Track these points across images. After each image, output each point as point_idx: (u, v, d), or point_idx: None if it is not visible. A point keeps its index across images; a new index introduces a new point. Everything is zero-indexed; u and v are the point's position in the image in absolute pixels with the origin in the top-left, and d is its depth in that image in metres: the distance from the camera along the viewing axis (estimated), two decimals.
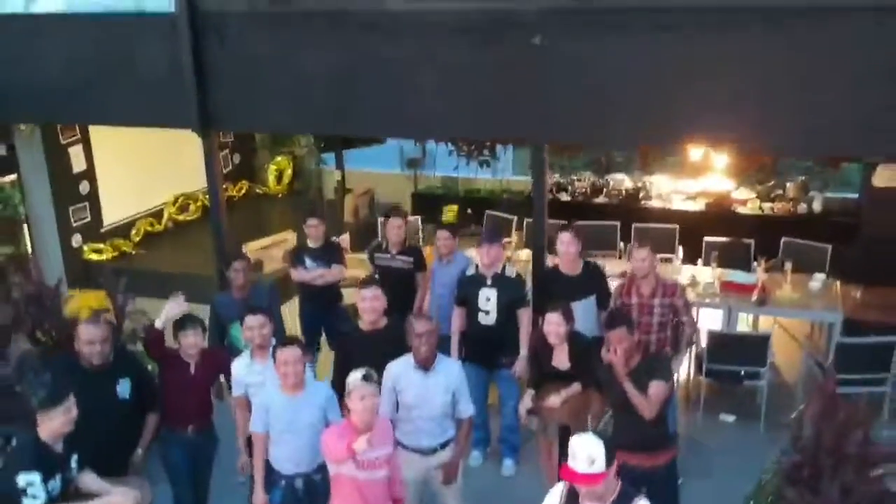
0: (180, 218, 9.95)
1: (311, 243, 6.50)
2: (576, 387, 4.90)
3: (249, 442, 4.49)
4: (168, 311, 4.78)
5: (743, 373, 6.11)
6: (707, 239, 7.82)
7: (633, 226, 8.21)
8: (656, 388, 4.22)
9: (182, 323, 4.69)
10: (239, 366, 4.77)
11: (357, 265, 7.11)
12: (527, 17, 5.35)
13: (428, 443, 4.45)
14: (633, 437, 4.22)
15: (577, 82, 5.41)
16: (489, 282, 5.47)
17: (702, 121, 5.26)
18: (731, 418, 6.32)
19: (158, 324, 4.73)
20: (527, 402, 5.06)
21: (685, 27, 5.08)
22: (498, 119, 5.78)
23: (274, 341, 4.65)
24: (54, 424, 3.77)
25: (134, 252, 9.25)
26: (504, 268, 5.55)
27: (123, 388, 4.56)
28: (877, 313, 6.48)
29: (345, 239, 8.41)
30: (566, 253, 5.50)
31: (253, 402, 4.48)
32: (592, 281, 5.57)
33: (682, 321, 5.44)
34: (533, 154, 6.20)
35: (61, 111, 7.20)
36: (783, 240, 7.70)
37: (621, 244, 8.28)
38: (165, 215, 9.86)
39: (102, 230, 9.17)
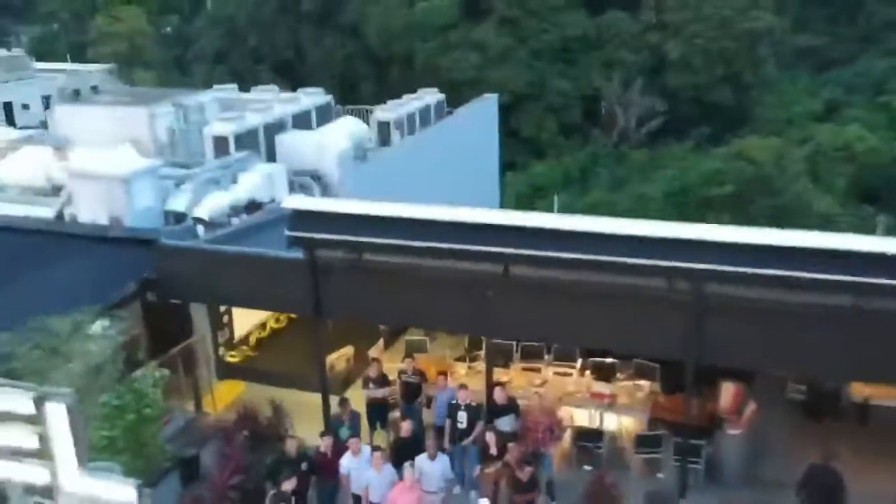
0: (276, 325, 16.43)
1: (371, 373, 12.99)
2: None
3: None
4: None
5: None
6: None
7: None
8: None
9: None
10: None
11: None
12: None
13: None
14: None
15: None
16: (463, 407, 12.00)
17: None
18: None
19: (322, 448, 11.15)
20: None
21: None
22: None
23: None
24: None
25: (252, 354, 15.73)
26: (468, 401, 12.08)
27: None
28: (670, 414, 12.87)
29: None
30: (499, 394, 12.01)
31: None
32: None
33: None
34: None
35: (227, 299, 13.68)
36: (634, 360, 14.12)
37: None
38: (267, 325, 16.36)
39: (234, 341, 15.66)
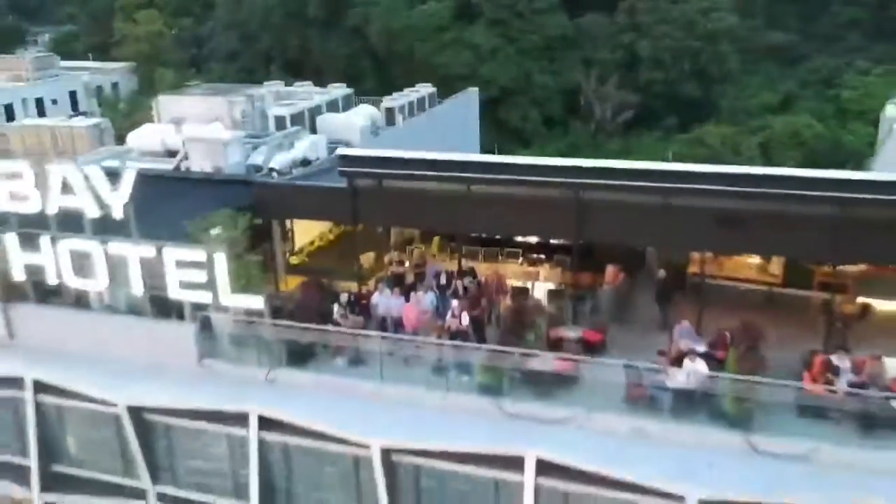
0: (321, 243, 25.24)
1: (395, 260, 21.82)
2: None
3: None
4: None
5: None
6: None
7: None
8: None
9: None
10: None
11: None
12: None
13: None
14: None
15: None
16: (443, 272, 20.94)
17: None
18: None
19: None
20: None
21: None
22: None
23: None
24: None
25: (307, 259, 24.54)
26: (445, 270, 21.00)
27: None
28: (573, 282, 21.72)
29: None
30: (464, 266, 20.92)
31: None
32: None
33: None
34: None
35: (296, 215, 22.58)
36: None
37: None
38: (315, 243, 25.18)
39: (294, 250, 24.50)
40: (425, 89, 32.69)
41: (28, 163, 19.82)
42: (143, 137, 25.35)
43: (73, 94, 76.48)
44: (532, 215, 20.20)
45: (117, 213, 18.96)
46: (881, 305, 20.50)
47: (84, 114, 75.89)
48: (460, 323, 19.13)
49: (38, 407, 20.30)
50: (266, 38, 67.36)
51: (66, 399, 20.00)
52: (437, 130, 31.00)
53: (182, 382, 19.16)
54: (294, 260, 24.00)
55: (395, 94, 31.36)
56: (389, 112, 29.75)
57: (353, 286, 21.97)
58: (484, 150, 50.47)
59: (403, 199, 21.11)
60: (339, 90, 29.40)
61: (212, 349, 19.53)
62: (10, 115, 70.96)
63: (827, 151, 55.75)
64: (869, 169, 34.87)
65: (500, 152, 58.53)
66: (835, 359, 17.38)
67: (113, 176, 19.17)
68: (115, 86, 78.97)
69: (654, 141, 60.53)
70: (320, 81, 64.15)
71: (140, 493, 20.18)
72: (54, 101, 73.86)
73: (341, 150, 21.48)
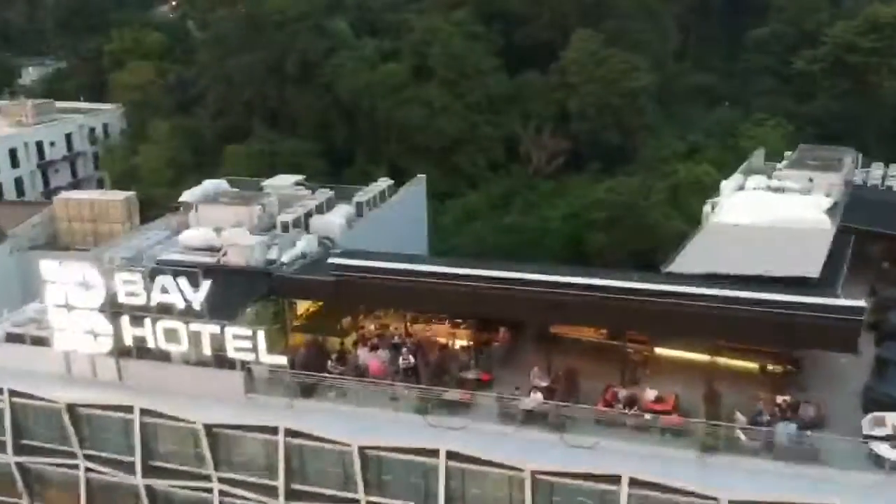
0: (314, 308, 39.07)
1: (366, 332, 35.88)
2: None
3: None
4: None
5: None
6: None
7: None
8: None
9: None
10: None
11: None
12: None
13: None
14: None
15: None
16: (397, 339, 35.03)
17: None
18: None
19: None
20: None
21: None
22: None
23: None
24: None
25: (305, 321, 38.33)
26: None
27: None
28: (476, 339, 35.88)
29: None
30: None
31: None
32: None
33: None
34: None
35: (301, 296, 36.55)
36: None
37: None
38: (309, 309, 38.97)
39: (297, 315, 38.34)
40: (384, 183, 46.56)
41: (140, 274, 33.43)
42: (192, 237, 38.97)
43: (68, 136, 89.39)
44: (449, 300, 34.27)
45: (196, 307, 32.75)
46: (668, 353, 34.82)
47: (78, 154, 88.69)
48: (410, 362, 33.45)
49: (142, 425, 34.05)
50: (248, 90, 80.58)
51: (160, 419, 33.76)
52: (395, 216, 44.97)
53: (236, 408, 32.97)
54: (296, 322, 37.81)
55: (363, 189, 45.19)
56: (359, 206, 43.59)
57: (338, 340, 35.96)
58: (438, 195, 64.84)
59: (370, 288, 35.06)
60: (325, 194, 43.09)
61: (253, 387, 33.38)
62: (13, 158, 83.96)
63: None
64: None
65: (453, 195, 72.71)
66: (621, 390, 31.72)
67: (193, 279, 32.92)
68: (105, 128, 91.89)
69: (583, 182, 74.82)
70: (297, 132, 78.22)
71: (206, 477, 34.00)
72: (52, 144, 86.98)
73: (331, 259, 35.40)
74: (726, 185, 43.49)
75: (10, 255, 45.43)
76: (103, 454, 35.32)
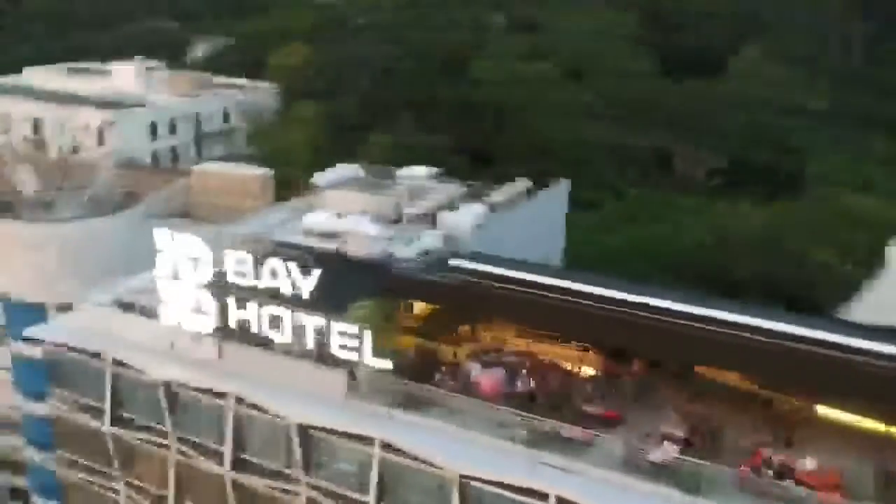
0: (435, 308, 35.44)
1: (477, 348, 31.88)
2: None
3: None
4: None
5: None
6: None
7: None
8: None
9: None
10: None
11: None
12: None
13: None
14: None
15: None
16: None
17: None
18: None
19: None
20: None
21: None
22: None
23: None
24: None
25: (422, 322, 34.79)
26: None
27: None
28: None
29: None
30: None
31: None
32: None
33: None
34: None
35: (420, 297, 32.92)
36: None
37: None
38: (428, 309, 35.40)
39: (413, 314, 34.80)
40: (522, 184, 42.39)
41: (250, 253, 30.68)
42: (313, 221, 36.10)
43: (224, 111, 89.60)
44: (581, 323, 29.81)
45: (305, 295, 29.67)
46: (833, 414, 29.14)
47: (232, 130, 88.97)
48: (529, 386, 29.22)
49: (236, 414, 31.32)
50: (396, 80, 78.25)
51: (254, 410, 30.93)
52: (531, 221, 40.70)
53: (332, 410, 29.67)
54: (410, 323, 34.27)
55: (497, 190, 41.23)
56: (492, 206, 39.65)
57: (451, 350, 32.14)
58: (576, 203, 60.06)
59: (493, 298, 31.03)
60: (457, 189, 39.42)
61: (355, 390, 30.01)
62: (172, 127, 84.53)
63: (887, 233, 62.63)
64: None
65: (592, 205, 67.78)
66: (772, 453, 26.43)
67: (305, 267, 29.87)
68: (260, 105, 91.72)
69: (735, 204, 68.13)
70: (438, 126, 75.24)
71: (295, 480, 30.90)
72: (209, 117, 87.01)
73: (454, 260, 31.60)
74: None
75: (142, 222, 44.15)
76: (195, 438, 32.83)
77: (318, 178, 41.74)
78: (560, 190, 44.81)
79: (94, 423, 34.56)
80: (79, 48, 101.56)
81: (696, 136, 71.38)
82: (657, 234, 63.97)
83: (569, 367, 31.64)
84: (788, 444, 27.52)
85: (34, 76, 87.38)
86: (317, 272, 29.85)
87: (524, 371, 30.33)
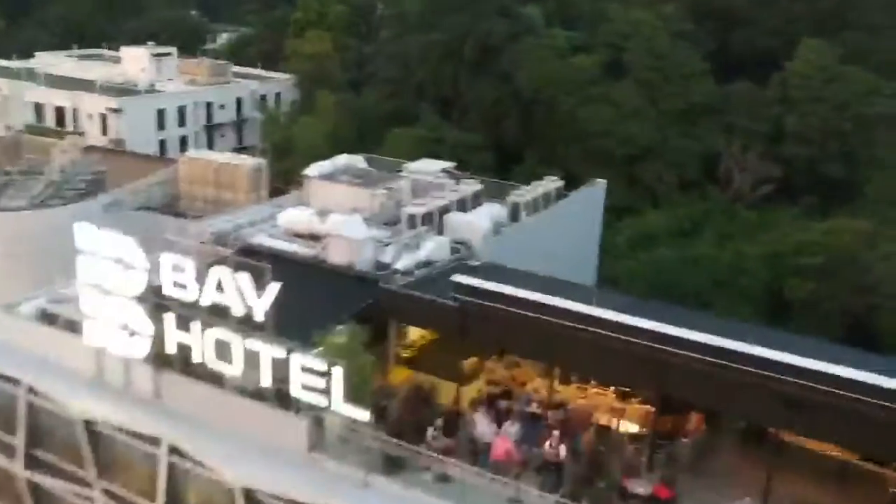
0: (431, 337, 27.33)
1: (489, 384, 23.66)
2: None
3: None
4: None
5: None
6: None
7: None
8: None
9: None
10: None
11: None
12: None
13: None
14: None
15: None
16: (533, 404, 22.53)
17: None
18: None
19: None
20: None
21: None
22: None
23: None
24: None
25: (415, 353, 26.68)
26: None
27: None
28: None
29: None
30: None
31: None
32: None
33: None
34: None
35: (412, 322, 24.73)
36: None
37: None
38: (426, 337, 27.28)
39: (407, 344, 26.69)
40: (552, 182, 34.15)
41: (192, 260, 22.79)
42: (291, 220, 28.21)
43: (238, 101, 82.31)
44: (620, 363, 21.57)
45: (258, 317, 21.68)
46: None
47: (245, 121, 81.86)
48: (558, 455, 20.92)
49: (170, 468, 23.40)
50: (421, 72, 70.22)
51: (191, 464, 22.99)
52: (559, 228, 32.45)
53: (290, 471, 21.67)
54: (405, 353, 26.19)
55: (522, 188, 33.02)
56: (514, 207, 31.47)
57: (451, 390, 24.06)
58: (613, 210, 51.38)
59: (506, 326, 22.90)
60: (471, 186, 31.27)
61: (321, 443, 21.97)
62: (182, 116, 77.22)
63: None
64: None
65: (630, 212, 59.11)
66: None
67: (259, 277, 21.90)
68: (277, 96, 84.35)
69: (793, 217, 59.24)
70: (466, 121, 67.15)
71: None
72: (222, 107, 79.82)
73: (458, 276, 23.47)
74: None
75: (105, 212, 36.78)
76: (122, 492, 24.97)
77: (313, 168, 33.95)
78: (596, 192, 36.47)
79: (4, 464, 26.85)
80: (97, 35, 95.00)
81: (748, 139, 62.39)
82: (708, 249, 55.22)
83: (605, 422, 23.36)
84: None
85: (44, 61, 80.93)
86: (273, 287, 21.79)
87: (548, 427, 22.06)
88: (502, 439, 21.33)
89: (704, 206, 62.02)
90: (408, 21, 74.03)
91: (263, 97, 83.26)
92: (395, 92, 72.61)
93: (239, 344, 22.19)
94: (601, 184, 36.78)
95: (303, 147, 67.31)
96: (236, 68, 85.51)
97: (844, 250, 51.48)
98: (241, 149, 78.89)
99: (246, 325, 22.08)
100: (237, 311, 22.09)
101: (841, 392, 18.63)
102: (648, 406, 23.40)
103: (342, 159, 34.87)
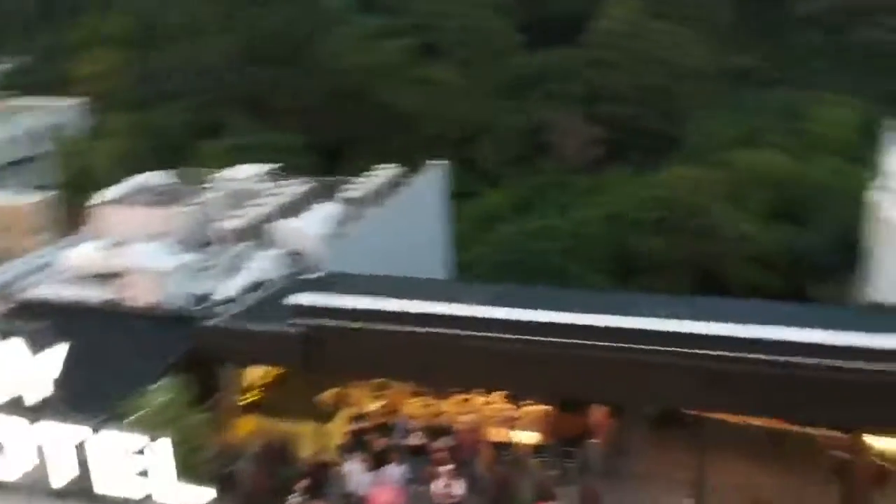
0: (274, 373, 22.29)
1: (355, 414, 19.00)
2: None
3: None
4: None
5: None
6: None
7: None
8: None
9: None
10: None
11: None
12: None
13: None
14: None
15: None
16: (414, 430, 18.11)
17: None
18: None
19: None
20: None
21: None
22: None
23: None
24: None
25: (259, 396, 21.60)
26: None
27: None
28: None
29: None
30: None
31: None
32: None
33: None
34: None
35: (246, 361, 19.63)
36: None
37: None
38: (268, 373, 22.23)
39: (246, 387, 21.53)
40: (388, 171, 29.85)
41: None
42: (79, 260, 22.26)
43: (26, 135, 72.46)
44: (501, 367, 17.60)
45: (41, 392, 15.96)
46: None
47: (31, 159, 72.24)
48: (451, 494, 16.55)
49: None
50: (226, 78, 63.92)
51: None
52: (404, 219, 28.20)
53: None
54: (246, 399, 21.09)
55: (355, 181, 28.48)
56: (351, 204, 26.90)
57: (315, 438, 19.25)
58: (456, 197, 47.80)
59: (360, 345, 18.37)
60: (298, 186, 26.39)
61: None
62: None
63: (797, 188, 54.02)
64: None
65: (471, 196, 55.83)
66: None
67: (39, 340, 16.17)
68: (63, 126, 74.80)
69: (624, 176, 58.10)
70: (280, 123, 61.69)
71: None
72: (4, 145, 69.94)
73: (295, 297, 18.61)
74: None
75: None
76: None
77: (105, 193, 27.80)
78: (436, 175, 32.44)
79: None
80: None
81: (569, 106, 60.74)
82: (548, 220, 53.00)
83: (501, 437, 19.29)
84: None
85: None
86: (59, 349, 16.16)
87: (435, 462, 17.67)
88: (381, 489, 16.78)
89: (539, 179, 59.91)
90: (201, 26, 67.29)
91: (53, 127, 73.76)
92: (198, 104, 65.74)
93: (23, 430, 16.35)
94: (441, 165, 32.83)
95: (101, 176, 59.31)
96: (18, 101, 75.39)
97: (681, 200, 50.61)
98: (40, 187, 69.47)
99: (26, 406, 16.31)
100: (13, 390, 16.26)
101: (771, 357, 15.50)
102: (545, 406, 19.60)
103: (139, 179, 28.92)
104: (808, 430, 17.64)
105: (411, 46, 61.09)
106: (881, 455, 16.89)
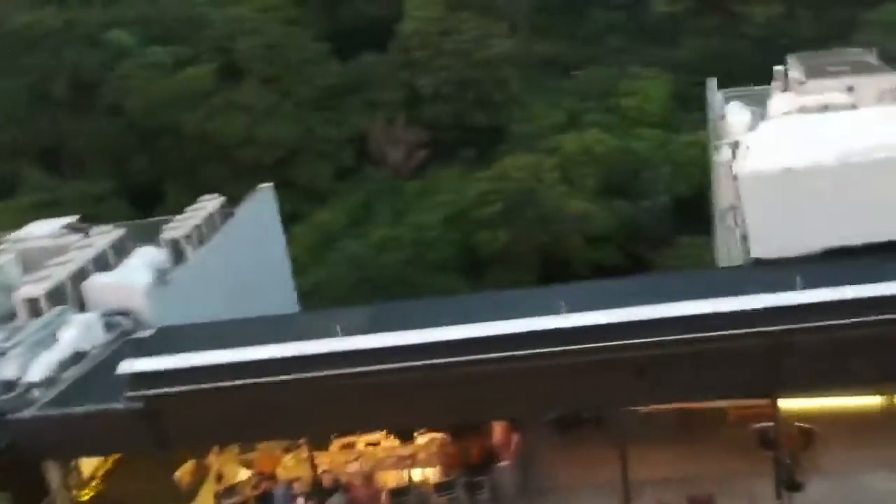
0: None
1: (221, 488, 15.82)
2: None
3: None
4: None
5: None
6: None
7: None
8: None
9: None
10: None
11: None
12: None
13: None
14: None
15: None
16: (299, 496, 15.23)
17: None
18: None
19: None
20: None
21: None
22: None
23: None
24: None
25: (101, 486, 17.86)
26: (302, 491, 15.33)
27: None
28: None
29: None
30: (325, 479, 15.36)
31: None
32: None
33: None
34: None
35: (75, 454, 15.94)
36: None
37: None
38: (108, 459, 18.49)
39: (83, 481, 17.72)
40: (211, 202, 26.47)
41: None
42: None
43: None
44: (384, 402, 15.14)
45: None
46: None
47: None
48: None
49: None
50: (10, 129, 57.03)
51: None
52: (239, 252, 24.98)
53: None
54: (85, 496, 17.36)
55: (176, 218, 24.92)
56: (175, 245, 23.36)
57: None
58: (284, 221, 44.45)
59: (214, 409, 15.28)
60: (105, 236, 22.49)
61: None
62: None
63: (623, 163, 54.91)
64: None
65: (300, 218, 52.59)
66: None
67: None
68: None
69: (455, 175, 56.88)
70: (84, 171, 55.85)
71: None
72: None
73: (122, 367, 15.19)
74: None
75: None
76: None
77: None
78: (264, 199, 29.33)
79: None
80: None
81: (389, 111, 58.84)
82: (387, 231, 50.99)
83: (398, 481, 16.71)
84: (794, 488, 15.03)
85: None
86: None
87: None
88: None
89: (368, 190, 57.65)
90: None
91: None
92: None
93: None
94: (267, 188, 29.74)
95: None
96: None
97: (515, 190, 50.08)
98: None
99: None
100: None
101: (700, 335, 13.99)
102: (438, 435, 17.27)
103: None
104: (719, 404, 16.37)
105: (210, 71, 56.96)
106: (800, 417, 15.87)
